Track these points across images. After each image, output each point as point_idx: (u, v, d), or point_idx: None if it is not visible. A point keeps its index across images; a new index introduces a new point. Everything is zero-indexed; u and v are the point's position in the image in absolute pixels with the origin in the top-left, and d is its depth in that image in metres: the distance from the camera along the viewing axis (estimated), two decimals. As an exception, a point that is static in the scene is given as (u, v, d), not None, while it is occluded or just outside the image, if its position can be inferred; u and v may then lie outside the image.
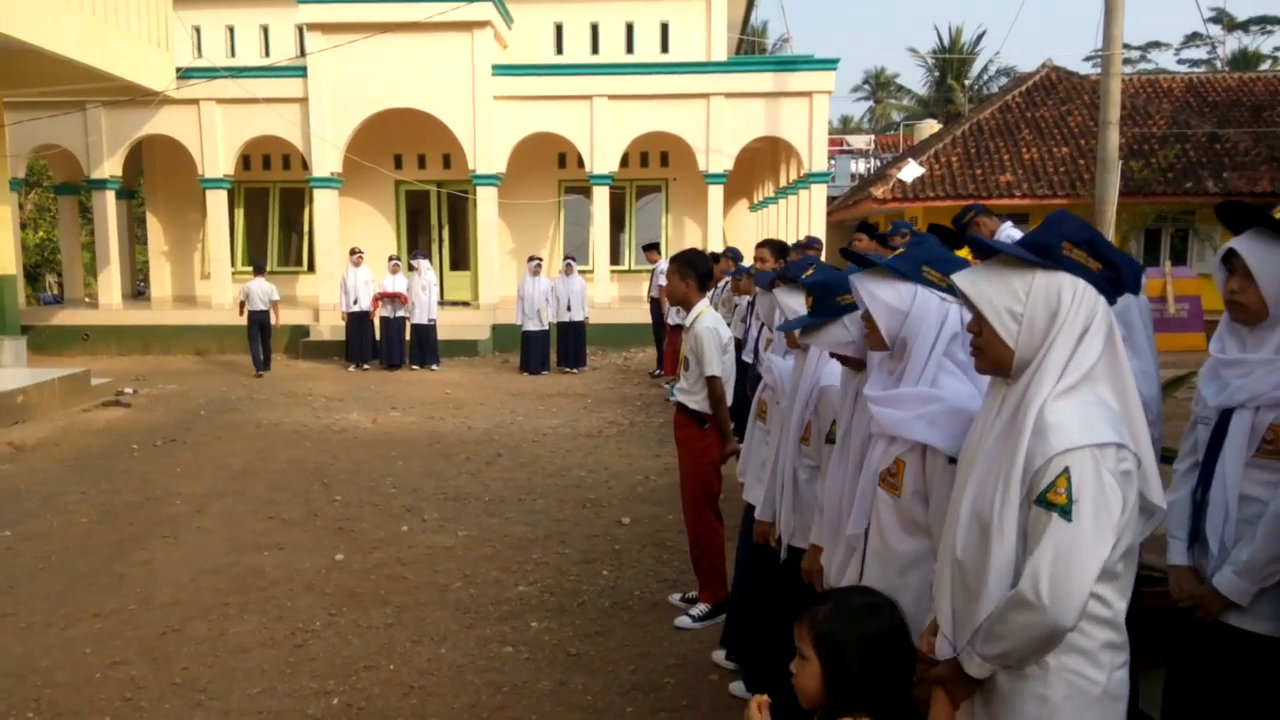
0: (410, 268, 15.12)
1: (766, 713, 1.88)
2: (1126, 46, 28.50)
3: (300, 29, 17.67)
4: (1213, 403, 2.54)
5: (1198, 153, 19.52)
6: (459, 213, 19.14)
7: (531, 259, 14.72)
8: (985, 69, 43.44)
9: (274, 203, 19.88)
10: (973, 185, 19.20)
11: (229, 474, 8.31)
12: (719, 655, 4.51)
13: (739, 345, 7.18)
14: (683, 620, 4.99)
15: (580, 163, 17.48)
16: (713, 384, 4.87)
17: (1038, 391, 1.92)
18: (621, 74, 17.07)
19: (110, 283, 17.77)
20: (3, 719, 4.07)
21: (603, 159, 17.01)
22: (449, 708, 4.13)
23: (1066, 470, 1.84)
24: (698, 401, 4.93)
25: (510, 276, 18.07)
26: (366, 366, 14.98)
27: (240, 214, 19.64)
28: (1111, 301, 1.98)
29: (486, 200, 17.04)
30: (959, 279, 2.04)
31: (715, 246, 15.50)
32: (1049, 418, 1.89)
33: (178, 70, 16.52)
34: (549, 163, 19.04)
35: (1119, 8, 12.70)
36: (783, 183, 18.76)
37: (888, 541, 2.43)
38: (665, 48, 18.63)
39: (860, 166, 30.64)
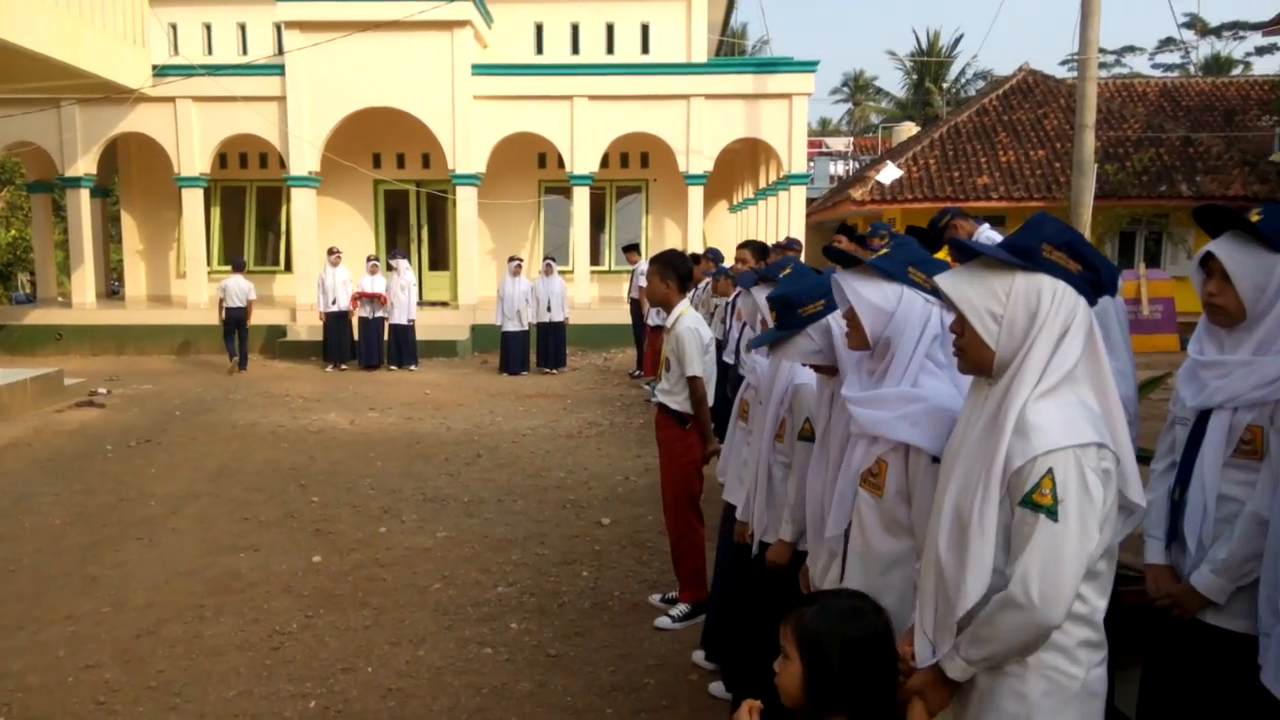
0: (389, 268, 15.04)
1: (757, 716, 1.88)
2: (1102, 51, 28.78)
3: (278, 27, 17.54)
4: (1191, 404, 2.56)
5: (1172, 156, 19.75)
6: (438, 212, 19.06)
7: (511, 259, 14.67)
8: (963, 72, 43.78)
9: (251, 202, 19.73)
10: (950, 187, 19.33)
11: (204, 475, 8.23)
12: (699, 656, 4.51)
13: (719, 346, 7.19)
14: (663, 621, 4.99)
15: (560, 163, 17.45)
16: (694, 384, 4.87)
17: (1019, 392, 1.94)
18: (602, 74, 17.07)
19: (84, 282, 17.56)
20: (-27, 724, 4.01)
21: (583, 159, 16.99)
22: (427, 710, 4.11)
23: (1050, 471, 1.86)
24: (679, 402, 4.94)
25: (490, 277, 18.01)
26: (344, 367, 14.89)
27: (216, 213, 19.47)
28: (1092, 303, 2.00)
29: (466, 200, 16.98)
30: (941, 280, 2.06)
31: (695, 247, 15.51)
32: (1031, 418, 1.90)
33: (154, 68, 16.37)
34: (529, 163, 19.00)
35: (1095, 12, 12.80)
36: (762, 184, 18.81)
37: (870, 542, 2.44)
38: (646, 49, 18.64)
39: (839, 168, 30.73)
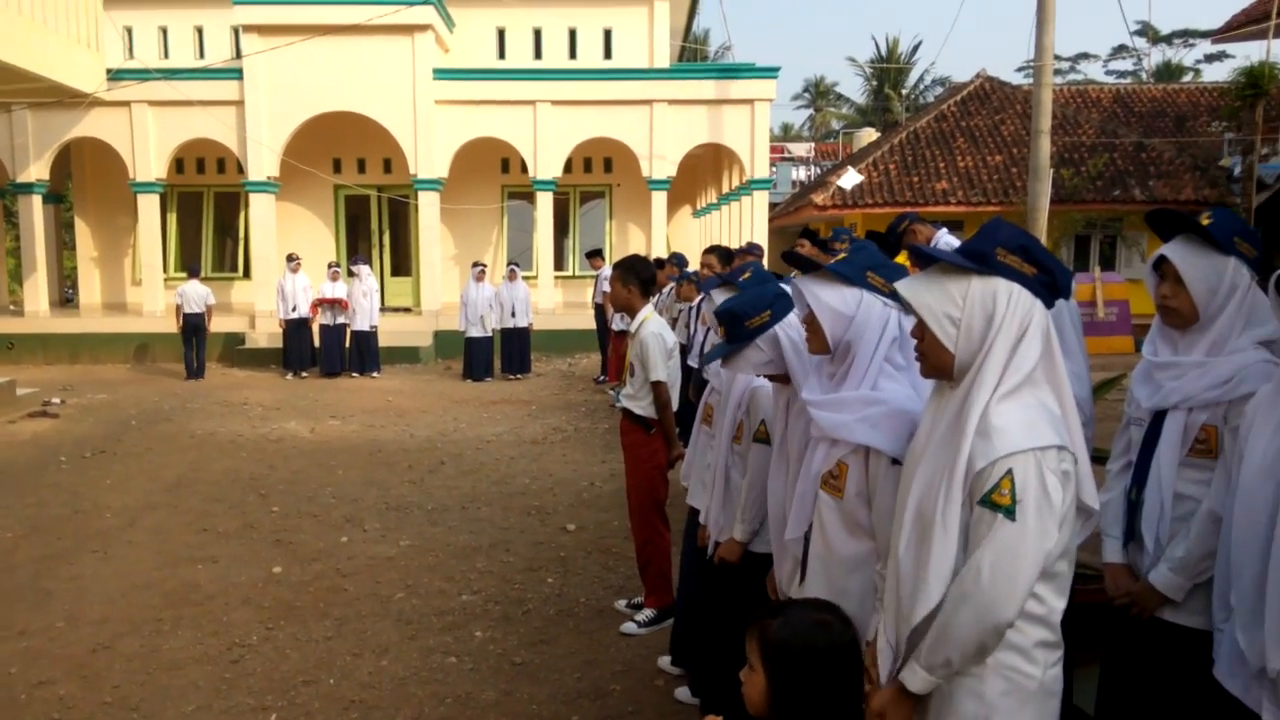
0: (350, 274, 14.90)
1: None
2: (1057, 58, 29.29)
3: (236, 30, 17.31)
4: (1146, 404, 2.61)
5: (1125, 161, 20.11)
6: (400, 218, 18.93)
7: (475, 265, 14.62)
8: (921, 79, 44.35)
9: (208, 207, 19.47)
10: (910, 192, 19.53)
11: (161, 486, 8.09)
12: (664, 661, 4.50)
13: (684, 351, 7.19)
14: (628, 626, 4.97)
15: (524, 168, 17.42)
16: (658, 389, 4.87)
17: (979, 394, 1.96)
18: (565, 79, 17.07)
19: (36, 290, 17.20)
20: (-80, 744, 3.90)
21: (546, 164, 16.97)
22: (391, 721, 4.06)
23: (1010, 472, 1.88)
24: (643, 407, 4.93)
25: (453, 282, 17.92)
26: (305, 374, 14.73)
27: (173, 219, 19.19)
28: (1048, 305, 2.03)
29: (428, 205, 16.89)
30: (901, 286, 2.09)
31: (659, 252, 15.54)
32: (994, 420, 1.93)
33: (108, 71, 16.10)
34: (492, 168, 18.94)
35: (1050, 20, 13.02)
36: (725, 189, 18.90)
37: (831, 544, 2.45)
38: (608, 54, 18.65)
39: (801, 174, 30.95)
